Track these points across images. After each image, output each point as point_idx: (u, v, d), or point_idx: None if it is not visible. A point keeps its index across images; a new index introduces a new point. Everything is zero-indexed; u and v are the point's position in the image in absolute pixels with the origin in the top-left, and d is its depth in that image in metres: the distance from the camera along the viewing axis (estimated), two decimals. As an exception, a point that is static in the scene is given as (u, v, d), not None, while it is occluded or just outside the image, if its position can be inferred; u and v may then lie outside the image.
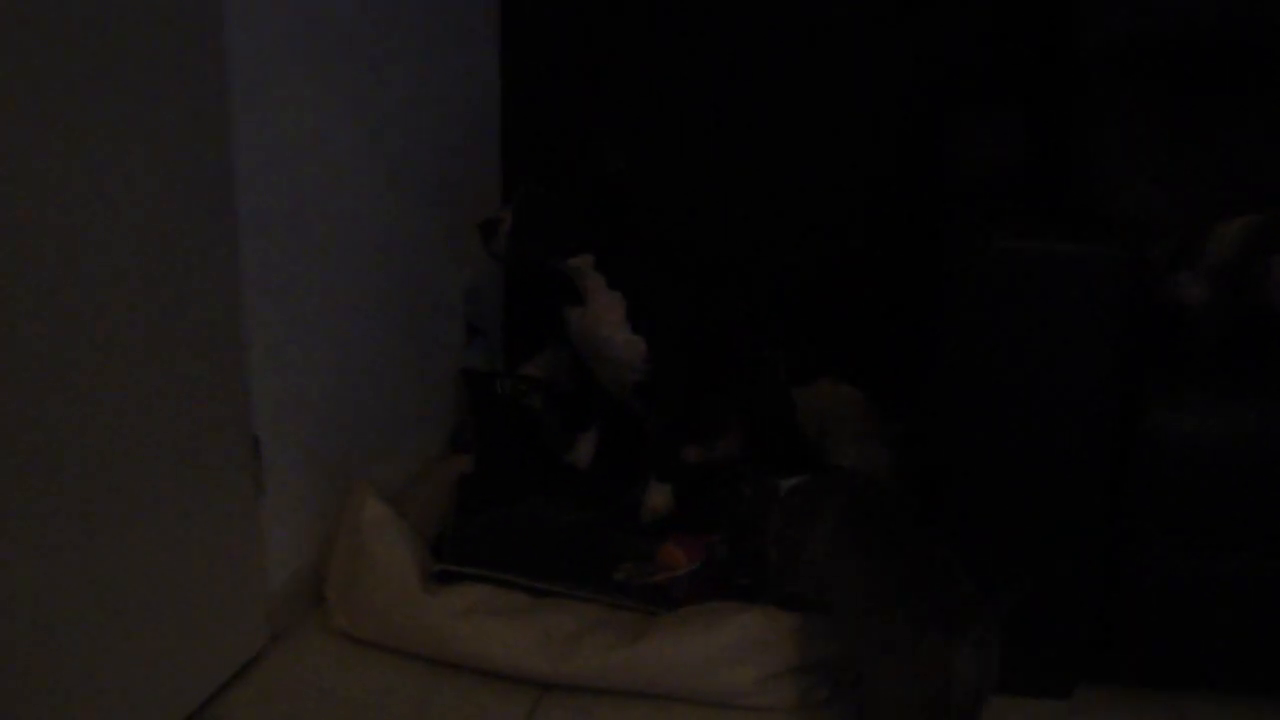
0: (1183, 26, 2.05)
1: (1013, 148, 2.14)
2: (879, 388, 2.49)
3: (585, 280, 2.06)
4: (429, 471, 2.18)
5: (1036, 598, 1.58)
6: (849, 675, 1.58)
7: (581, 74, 2.53)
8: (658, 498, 2.14)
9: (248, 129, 1.55)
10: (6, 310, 1.15)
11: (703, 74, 2.48)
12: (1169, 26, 2.05)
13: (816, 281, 2.58)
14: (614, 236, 2.01)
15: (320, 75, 1.75)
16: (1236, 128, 2.01)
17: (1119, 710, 1.66)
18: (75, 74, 1.22)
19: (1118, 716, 1.65)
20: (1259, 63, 2.00)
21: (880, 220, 2.51)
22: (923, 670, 1.29)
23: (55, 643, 1.27)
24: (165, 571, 1.45)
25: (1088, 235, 1.49)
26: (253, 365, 1.61)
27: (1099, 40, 2.06)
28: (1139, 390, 1.51)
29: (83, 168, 1.24)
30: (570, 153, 2.02)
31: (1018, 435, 1.54)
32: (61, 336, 1.24)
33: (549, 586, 1.70)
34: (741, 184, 2.51)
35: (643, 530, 2.06)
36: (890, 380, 2.47)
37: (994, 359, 1.52)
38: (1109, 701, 1.67)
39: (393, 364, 2.09)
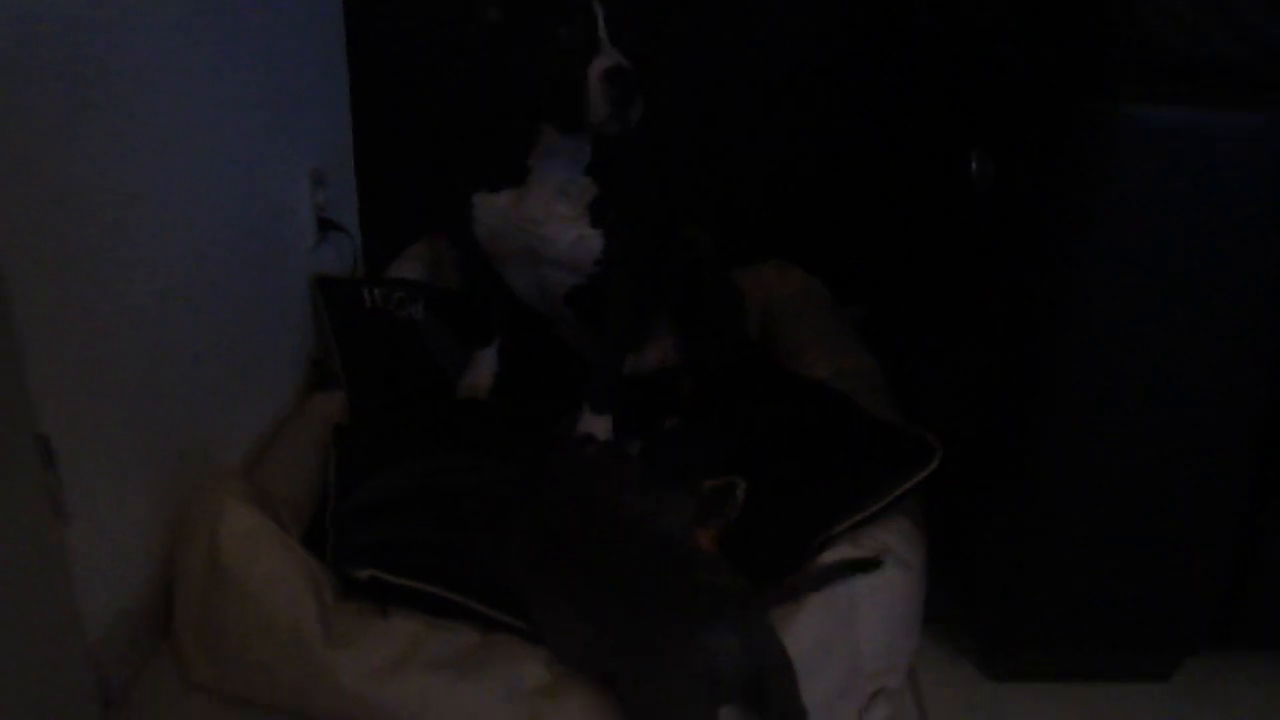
0: None
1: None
2: (836, 270, 2.06)
3: (566, 156, 1.56)
4: (291, 422, 1.65)
5: (1136, 570, 1.23)
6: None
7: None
8: (599, 434, 1.68)
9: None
10: None
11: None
12: None
13: (755, 142, 2.09)
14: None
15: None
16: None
17: (1225, 686, 1.34)
18: None
19: (1224, 693, 1.33)
20: None
21: (834, 67, 2.02)
22: (679, 662, 1.06)
23: None
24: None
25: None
26: (31, 332, 1.04)
27: None
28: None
29: None
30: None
31: (1140, 366, 1.14)
32: None
33: (500, 616, 1.22)
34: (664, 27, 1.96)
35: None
36: (847, 259, 2.04)
37: (1121, 263, 1.09)
38: (1211, 677, 1.35)
39: (227, 281, 1.51)
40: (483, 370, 1.82)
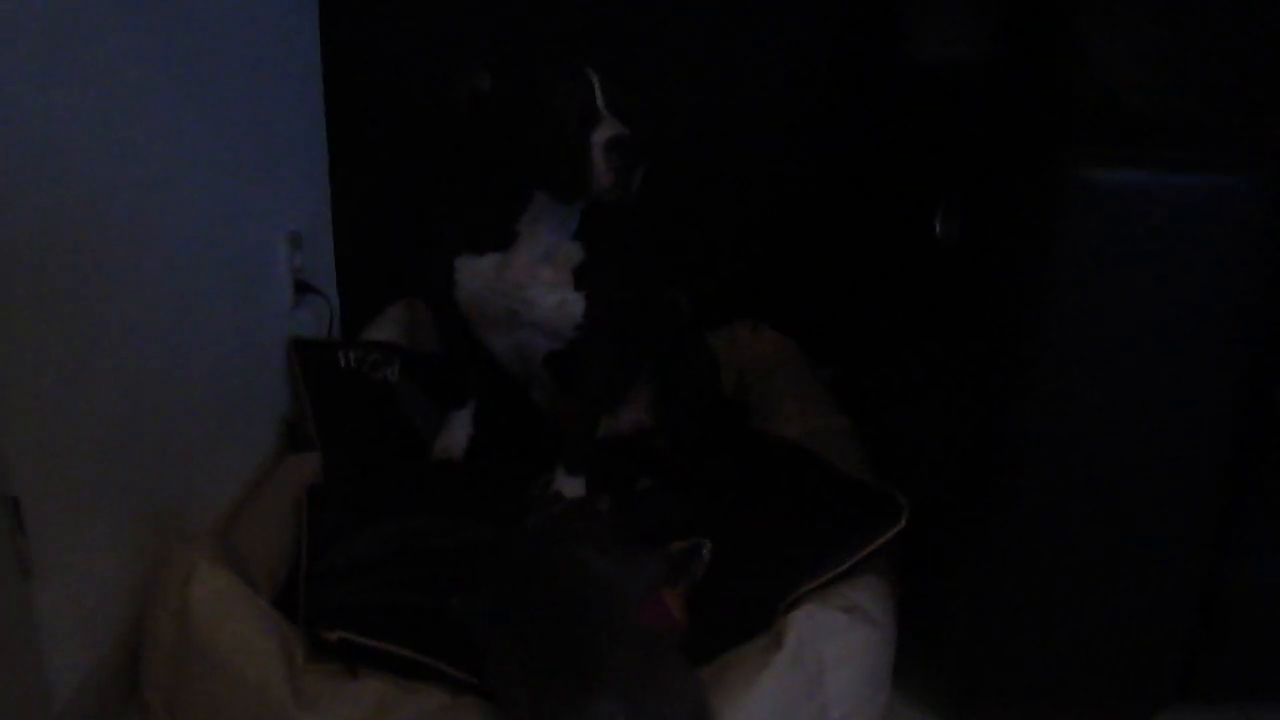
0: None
1: (980, 40, 1.73)
2: (805, 328, 2.08)
3: (556, 220, 1.58)
4: (264, 482, 1.65)
5: (1104, 625, 1.23)
6: None
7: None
8: (570, 495, 1.68)
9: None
10: None
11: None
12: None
13: (727, 204, 2.12)
14: None
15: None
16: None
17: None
18: None
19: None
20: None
21: (805, 130, 2.06)
22: None
23: None
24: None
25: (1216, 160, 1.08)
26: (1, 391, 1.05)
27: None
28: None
29: None
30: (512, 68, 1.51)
31: (1103, 421, 1.16)
32: None
33: (469, 678, 1.21)
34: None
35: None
36: (819, 320, 2.07)
37: (1080, 327, 1.11)
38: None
39: (202, 343, 1.53)
40: (457, 432, 1.82)
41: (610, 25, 1.97)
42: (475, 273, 1.63)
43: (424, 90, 1.91)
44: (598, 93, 1.46)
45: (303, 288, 1.89)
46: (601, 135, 1.43)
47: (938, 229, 1.39)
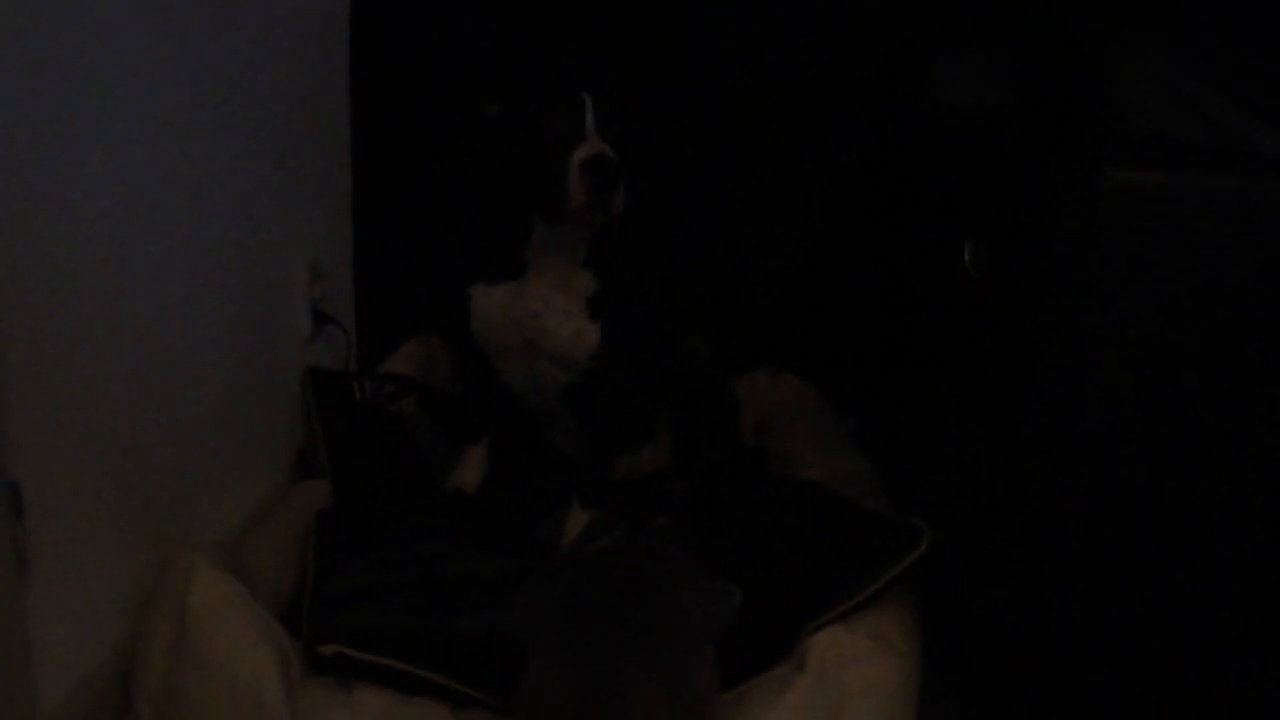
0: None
1: (1003, 86, 1.72)
2: (827, 377, 2.04)
3: (561, 249, 1.57)
4: (273, 507, 1.61)
5: (1132, 659, 1.18)
6: None
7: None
8: (581, 527, 1.64)
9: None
10: None
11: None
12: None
13: (747, 251, 2.11)
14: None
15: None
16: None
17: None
18: None
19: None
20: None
21: (826, 178, 2.06)
22: None
23: None
24: None
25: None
26: (8, 375, 1.03)
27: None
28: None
29: None
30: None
31: (1143, 437, 1.12)
32: None
33: (472, 691, 1.16)
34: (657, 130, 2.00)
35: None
36: (841, 368, 2.03)
37: (1116, 337, 1.08)
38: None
39: (219, 365, 1.51)
40: (471, 467, 1.79)
41: (637, 57, 1.98)
42: (490, 301, 1.62)
43: (449, 123, 1.92)
44: (588, 114, 1.45)
45: (321, 318, 1.88)
46: (580, 154, 1.42)
47: (967, 257, 1.37)
